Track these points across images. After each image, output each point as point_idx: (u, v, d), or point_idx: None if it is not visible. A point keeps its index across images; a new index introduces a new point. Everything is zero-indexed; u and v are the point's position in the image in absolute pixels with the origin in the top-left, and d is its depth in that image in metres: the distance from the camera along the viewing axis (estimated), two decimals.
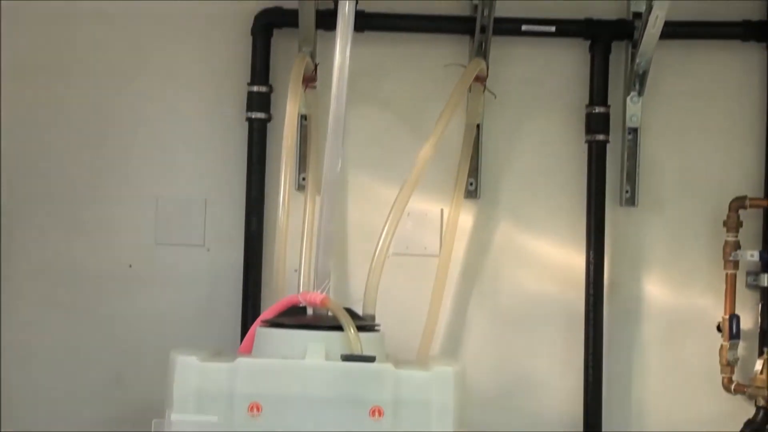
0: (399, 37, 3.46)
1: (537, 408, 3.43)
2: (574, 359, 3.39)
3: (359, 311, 3.02)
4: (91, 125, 3.47)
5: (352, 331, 2.69)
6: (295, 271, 3.21)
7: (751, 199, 3.38)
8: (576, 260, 3.41)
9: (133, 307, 3.43)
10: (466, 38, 3.43)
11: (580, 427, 3.35)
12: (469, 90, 3.36)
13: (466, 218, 3.43)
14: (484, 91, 3.38)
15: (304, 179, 3.39)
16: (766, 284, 3.39)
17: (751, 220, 3.41)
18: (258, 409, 2.62)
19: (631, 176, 3.44)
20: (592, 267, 3.37)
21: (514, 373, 3.44)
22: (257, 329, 2.87)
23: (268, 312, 2.93)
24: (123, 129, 3.46)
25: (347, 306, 2.86)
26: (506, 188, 3.48)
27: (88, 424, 3.38)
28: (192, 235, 3.44)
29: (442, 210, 3.42)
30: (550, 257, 3.46)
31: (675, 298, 3.47)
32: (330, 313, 2.81)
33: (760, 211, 3.42)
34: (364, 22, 3.34)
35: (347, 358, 2.65)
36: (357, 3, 2.72)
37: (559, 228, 3.46)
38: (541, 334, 3.45)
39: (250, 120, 3.38)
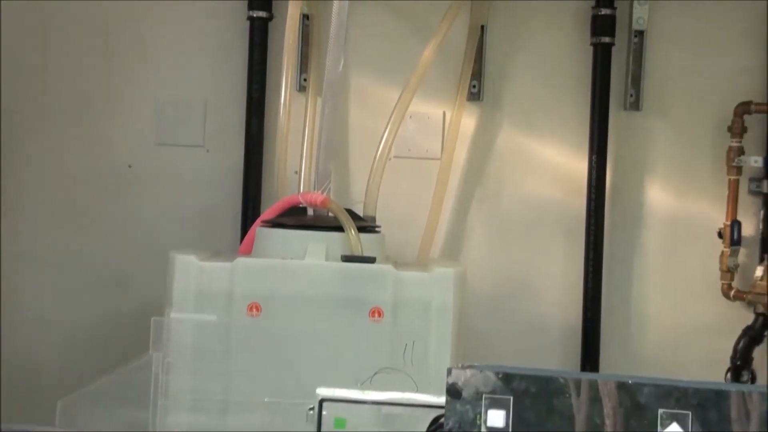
0: None
1: (536, 312, 3.43)
2: (574, 264, 3.38)
3: (360, 213, 3.02)
4: (91, 25, 3.42)
5: (353, 231, 2.70)
6: (296, 173, 3.19)
7: (756, 104, 3.33)
8: (578, 165, 3.38)
9: (132, 208, 3.42)
10: None
11: (579, 331, 3.35)
12: None
13: (468, 121, 3.39)
14: None
15: (305, 80, 3.35)
16: None
17: (755, 126, 3.37)
18: (257, 309, 2.63)
19: (636, 80, 3.40)
20: (594, 172, 3.34)
21: (514, 278, 3.43)
22: (257, 229, 2.87)
23: (268, 212, 2.93)
24: (123, 28, 3.41)
25: (348, 207, 2.87)
26: (510, 91, 3.43)
27: (88, 323, 3.40)
28: (192, 135, 3.41)
29: (444, 113, 3.38)
30: (552, 162, 3.43)
31: (677, 204, 3.45)
32: (330, 214, 2.81)
33: (765, 117, 3.38)
34: None
35: (347, 258, 2.67)
36: None
37: (563, 132, 3.42)
38: (541, 238, 3.44)
39: (251, 19, 3.32)
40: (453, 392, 1.38)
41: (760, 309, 3.29)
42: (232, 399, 2.61)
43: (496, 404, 1.37)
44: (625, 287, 3.45)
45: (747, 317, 3.36)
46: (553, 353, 3.41)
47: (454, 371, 1.38)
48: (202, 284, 2.63)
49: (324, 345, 2.61)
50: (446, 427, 1.37)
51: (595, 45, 3.35)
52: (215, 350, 2.61)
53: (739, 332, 3.35)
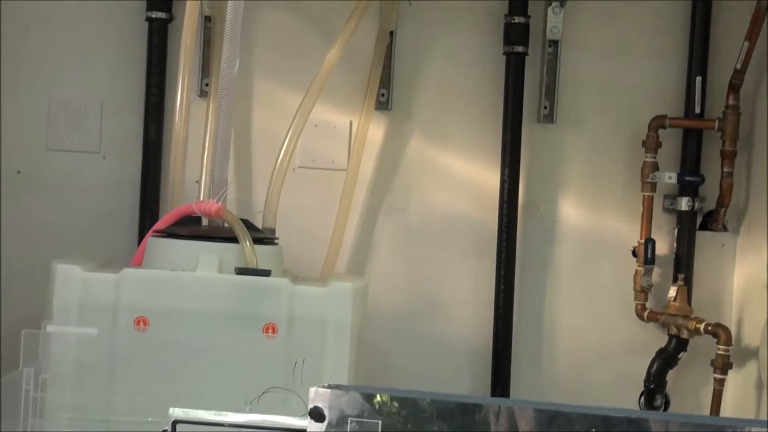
0: None
1: (445, 331, 3.37)
2: (485, 281, 3.32)
3: (259, 224, 2.92)
4: None
5: (248, 243, 2.58)
6: (197, 182, 3.07)
7: (671, 118, 3.32)
8: (490, 178, 3.32)
9: (21, 216, 3.24)
10: None
11: (490, 350, 3.29)
12: None
13: (376, 131, 3.31)
14: None
15: (207, 85, 3.22)
16: (683, 208, 3.35)
17: (671, 141, 3.36)
18: (145, 323, 2.50)
19: (549, 91, 3.36)
20: (506, 186, 3.28)
21: (422, 295, 3.37)
22: (148, 240, 2.75)
23: (161, 222, 2.80)
24: (12, 24, 3.25)
25: (245, 218, 2.75)
26: (420, 100, 3.36)
27: None
28: (87, 141, 3.25)
29: (351, 122, 3.29)
30: (463, 174, 3.37)
31: (591, 220, 3.43)
32: (226, 225, 2.70)
33: (680, 132, 3.38)
34: None
35: (241, 271, 2.55)
36: None
37: (474, 144, 3.37)
38: (451, 254, 3.37)
39: (149, 19, 3.18)
40: (316, 415, 1.25)
41: (673, 331, 3.26)
42: (114, 418, 2.47)
43: (363, 428, 1.23)
44: (538, 306, 3.41)
45: (662, 339, 3.33)
46: (463, 374, 3.34)
47: (316, 391, 1.25)
48: (85, 296, 2.49)
49: (214, 362, 2.49)
50: None
51: (508, 54, 3.29)
52: (98, 366, 2.47)
53: (653, 355, 3.32)
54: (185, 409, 1.34)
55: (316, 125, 3.20)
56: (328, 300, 2.58)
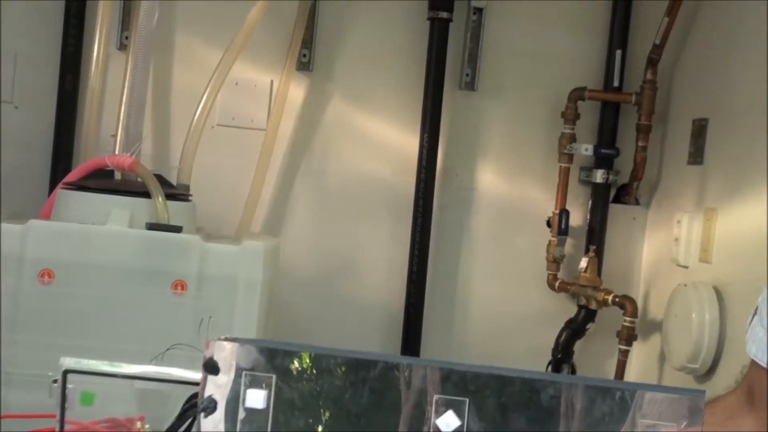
0: None
1: (358, 293, 3.38)
2: (400, 246, 3.33)
3: (173, 180, 2.88)
4: None
5: (160, 198, 2.54)
6: (113, 136, 3.02)
7: (590, 90, 3.34)
8: (410, 144, 3.32)
9: None
10: None
11: (402, 315, 3.31)
12: None
13: (297, 92, 3.29)
14: None
15: (126, 38, 3.15)
16: (598, 180, 3.39)
17: (589, 113, 3.39)
18: (50, 276, 2.45)
19: (472, 59, 3.37)
20: (425, 151, 3.28)
21: (337, 257, 3.37)
22: (58, 192, 2.69)
23: (72, 174, 2.74)
24: None
25: (159, 172, 2.72)
26: (342, 62, 3.35)
27: None
28: None
29: (272, 81, 3.26)
30: (383, 138, 3.37)
31: (508, 189, 3.45)
32: (139, 179, 2.66)
33: (598, 105, 3.41)
34: None
35: (152, 226, 2.51)
36: None
37: (395, 108, 3.36)
38: (368, 217, 3.38)
39: None
40: (210, 367, 1.23)
41: (583, 302, 3.29)
42: (17, 371, 2.42)
43: (256, 382, 1.22)
44: (452, 272, 3.43)
45: (572, 309, 3.37)
46: (374, 337, 3.36)
47: (212, 344, 1.23)
48: None
49: (121, 318, 2.45)
50: (200, 407, 1.22)
51: (432, 20, 3.28)
52: (2, 318, 2.41)
53: (562, 324, 3.36)
54: (77, 359, 1.32)
55: (236, 83, 3.18)
56: (238, 258, 2.56)
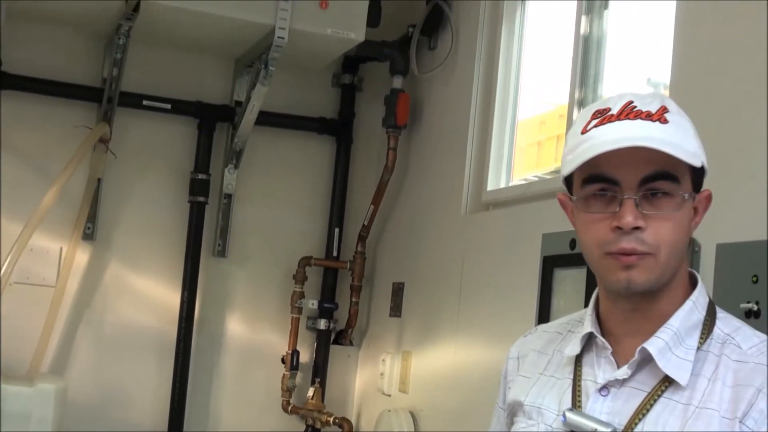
0: (39, 98, 3.72)
1: (131, 417, 3.77)
2: (165, 381, 3.78)
3: None
4: None
5: None
6: None
7: (315, 259, 3.96)
8: (173, 299, 3.80)
9: None
10: (96, 105, 3.74)
11: None
12: (94, 149, 3.67)
13: (82, 256, 3.72)
14: (107, 151, 3.70)
15: None
16: (321, 327, 3.97)
17: (314, 275, 3.97)
18: None
19: (223, 233, 3.90)
20: (185, 305, 3.78)
21: (113, 390, 3.76)
22: None
23: None
24: None
25: None
26: (119, 234, 3.79)
27: None
28: None
29: (61, 248, 3.69)
30: (151, 295, 3.82)
31: (251, 334, 3.95)
32: None
33: (321, 270, 4.00)
34: (7, 81, 3.63)
35: None
36: None
37: (162, 271, 3.83)
38: (139, 359, 3.80)
39: None
40: None
41: (310, 422, 3.87)
42: None
43: None
44: (205, 401, 3.90)
45: (302, 428, 3.92)
46: None
47: None
48: None
49: None
50: None
51: (192, 202, 3.82)
52: None
53: None
54: None
55: (31, 249, 3.54)
56: (33, 399, 2.94)
